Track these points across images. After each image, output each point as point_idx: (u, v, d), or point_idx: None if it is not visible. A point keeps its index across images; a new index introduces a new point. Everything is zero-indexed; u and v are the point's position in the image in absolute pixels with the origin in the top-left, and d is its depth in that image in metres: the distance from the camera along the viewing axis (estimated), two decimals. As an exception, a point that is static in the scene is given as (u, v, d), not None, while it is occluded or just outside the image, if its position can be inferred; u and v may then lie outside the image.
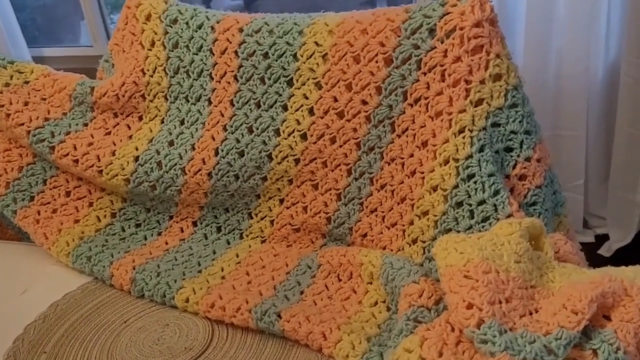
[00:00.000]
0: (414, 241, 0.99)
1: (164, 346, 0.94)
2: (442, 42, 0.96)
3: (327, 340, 0.88)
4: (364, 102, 1.02)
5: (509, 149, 0.95)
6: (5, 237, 1.33)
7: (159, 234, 1.20)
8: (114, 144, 1.16)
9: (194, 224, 1.20)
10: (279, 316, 0.92)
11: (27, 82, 1.21)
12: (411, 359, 0.76)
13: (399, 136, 1.01)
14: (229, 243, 1.16)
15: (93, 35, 2.70)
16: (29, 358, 0.93)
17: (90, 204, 1.22)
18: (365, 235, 1.07)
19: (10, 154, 1.21)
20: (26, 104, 1.18)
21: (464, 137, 0.92)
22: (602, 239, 1.74)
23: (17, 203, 1.19)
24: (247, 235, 1.17)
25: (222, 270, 1.07)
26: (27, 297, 1.09)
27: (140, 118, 1.19)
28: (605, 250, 1.69)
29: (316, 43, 1.04)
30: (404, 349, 0.78)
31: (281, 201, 1.14)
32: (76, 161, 1.15)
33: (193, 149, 1.13)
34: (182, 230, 1.20)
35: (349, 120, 1.04)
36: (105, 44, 2.84)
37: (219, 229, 1.19)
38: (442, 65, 0.96)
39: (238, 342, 0.94)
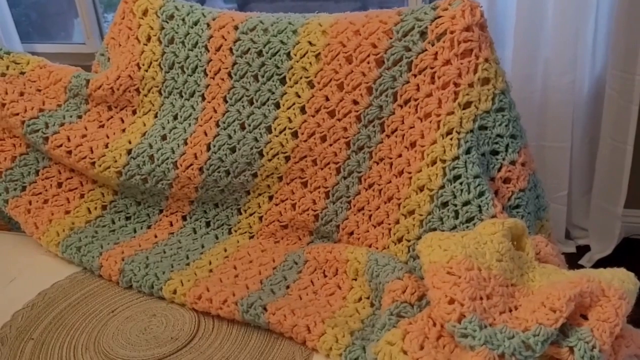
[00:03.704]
0: (399, 240, 1.01)
1: (151, 335, 0.96)
2: (432, 45, 0.98)
3: (311, 333, 0.90)
4: (355, 102, 1.05)
5: (494, 152, 0.98)
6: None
7: (149, 227, 1.21)
8: (107, 137, 1.17)
9: (184, 218, 1.21)
10: (265, 309, 0.93)
11: (23, 73, 1.22)
12: (393, 352, 0.78)
13: (388, 136, 1.03)
14: (217, 238, 1.18)
15: (86, 32, 2.71)
16: (16, 344, 0.94)
17: (82, 196, 1.23)
18: (351, 233, 1.09)
19: (4, 144, 1.22)
20: (21, 94, 1.19)
21: (451, 139, 0.95)
22: (583, 249, 1.77)
23: (9, 192, 1.20)
24: (235, 231, 1.19)
25: (210, 263, 1.09)
26: (16, 286, 1.09)
27: (134, 112, 1.21)
28: (585, 261, 1.72)
29: (310, 42, 1.07)
30: (386, 342, 0.80)
31: (270, 198, 1.15)
32: (69, 152, 1.16)
33: (185, 143, 1.14)
34: (171, 224, 1.21)
35: (339, 120, 1.06)
36: (98, 42, 2.85)
37: (208, 224, 1.20)
38: (432, 68, 0.98)
39: (224, 334, 0.96)
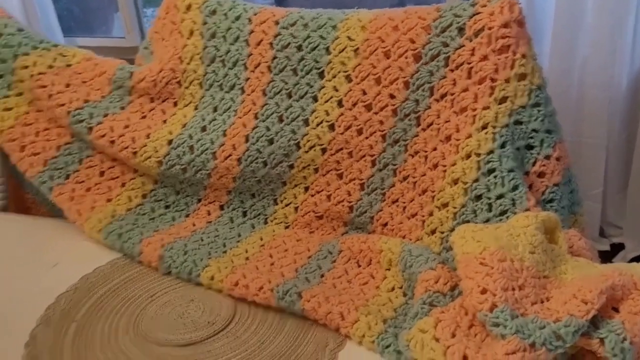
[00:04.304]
0: (433, 232, 1.02)
1: (188, 320, 0.99)
2: (470, 41, 1.00)
3: (344, 320, 0.92)
4: (392, 96, 1.07)
5: (529, 147, 0.99)
6: (39, 214, 1.39)
7: (187, 215, 1.25)
8: (149, 128, 1.21)
9: (221, 207, 1.24)
10: (300, 296, 0.96)
11: (69, 65, 1.26)
12: (425, 339, 0.80)
13: (423, 130, 1.05)
14: (253, 227, 1.21)
15: (126, 27, 2.77)
16: (60, 325, 0.98)
17: (123, 184, 1.27)
18: (385, 224, 1.11)
19: (50, 134, 1.27)
20: (68, 85, 1.24)
21: (486, 133, 0.96)
22: (617, 248, 1.76)
23: (54, 180, 1.25)
24: (271, 221, 1.21)
25: (246, 252, 1.12)
26: (59, 270, 1.13)
27: (175, 104, 1.25)
28: (620, 259, 1.71)
29: (349, 38, 1.09)
30: (418, 330, 0.81)
31: (306, 189, 1.18)
32: (112, 142, 1.21)
33: (224, 135, 1.17)
34: (209, 213, 1.24)
35: (376, 113, 1.08)
36: (137, 36, 2.91)
37: (244, 214, 1.23)
38: (469, 63, 1.00)
39: (259, 319, 0.98)
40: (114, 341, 0.95)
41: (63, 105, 1.22)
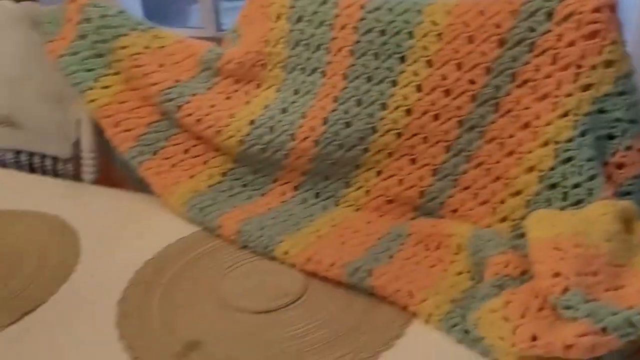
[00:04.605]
0: (504, 219, 1.03)
1: (264, 290, 1.04)
2: (558, 26, 0.99)
3: (413, 298, 0.95)
4: (472, 82, 1.08)
5: (610, 137, 0.98)
6: (125, 188, 1.48)
7: (263, 194, 1.30)
8: (233, 108, 1.27)
9: (295, 188, 1.29)
10: (370, 273, 0.99)
11: (163, 47, 1.34)
12: (494, 319, 0.82)
13: (501, 116, 1.06)
14: (325, 209, 1.24)
15: (205, 18, 2.87)
16: (147, 287, 1.05)
17: (205, 162, 1.33)
18: (455, 210, 1.12)
19: (140, 111, 1.35)
20: (161, 66, 1.31)
21: (567, 121, 0.96)
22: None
23: (143, 155, 1.33)
24: (342, 203, 1.25)
25: (318, 230, 1.16)
26: (145, 239, 1.21)
27: (258, 86, 1.30)
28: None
29: (433, 22, 1.11)
30: (487, 309, 0.83)
31: (378, 173, 1.21)
32: (198, 121, 1.27)
33: (303, 117, 1.22)
34: (283, 194, 1.29)
35: (454, 99, 1.09)
36: (214, 27, 3.01)
37: (317, 195, 1.27)
38: (555, 49, 0.99)
39: (330, 294, 1.02)
40: (195, 304, 1.01)
41: (155, 84, 1.29)
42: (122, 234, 1.25)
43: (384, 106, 1.16)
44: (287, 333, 0.94)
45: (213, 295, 1.03)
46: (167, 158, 1.33)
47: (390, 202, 1.21)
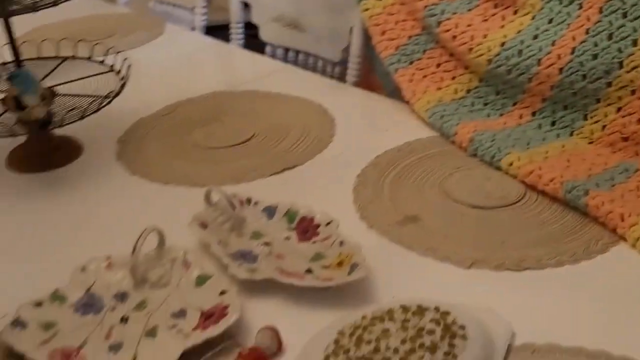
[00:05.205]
0: None
1: (483, 190, 1.17)
2: None
3: (623, 222, 1.01)
4: None
5: None
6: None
7: (501, 115, 1.40)
8: (487, 30, 1.38)
9: (533, 114, 1.37)
10: (586, 193, 1.06)
11: None
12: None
13: None
14: (558, 136, 1.31)
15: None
16: (383, 169, 1.25)
17: (453, 78, 1.47)
18: (693, 155, 1.12)
19: (405, 25, 1.52)
20: (430, -16, 1.47)
21: None
22: None
23: (400, 64, 1.51)
24: (576, 134, 1.30)
25: (547, 152, 1.24)
26: (388, 134, 1.40)
27: (515, 12, 1.38)
28: None
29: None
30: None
31: (618, 109, 1.23)
32: (454, 37, 1.41)
33: (552, 44, 1.28)
34: (520, 117, 1.38)
35: None
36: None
37: (553, 123, 1.34)
38: None
39: (544, 206, 1.12)
40: (419, 189, 1.19)
41: (422, 0, 1.45)
42: (370, 127, 1.47)
43: (634, 42, 1.18)
44: (496, 227, 1.07)
45: (436, 186, 1.20)
46: (420, 69, 1.49)
47: (625, 139, 1.23)
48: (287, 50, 1.97)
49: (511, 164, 1.20)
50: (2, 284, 0.98)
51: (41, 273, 1.00)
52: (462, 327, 0.78)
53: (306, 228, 1.05)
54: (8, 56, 1.32)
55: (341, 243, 0.99)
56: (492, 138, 1.28)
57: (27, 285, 0.94)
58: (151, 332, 0.84)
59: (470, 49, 1.38)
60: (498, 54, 1.34)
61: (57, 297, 0.89)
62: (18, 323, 0.83)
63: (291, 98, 1.56)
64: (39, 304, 0.87)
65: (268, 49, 1.99)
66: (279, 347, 0.81)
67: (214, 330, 0.80)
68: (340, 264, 0.95)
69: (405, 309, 0.82)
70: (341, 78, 1.81)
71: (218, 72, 1.86)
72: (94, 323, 0.86)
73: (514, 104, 1.40)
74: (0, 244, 1.10)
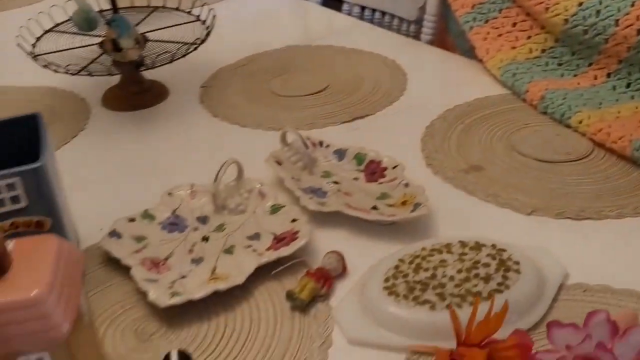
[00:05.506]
0: None
1: (550, 145, 1.19)
2: None
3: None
4: None
5: None
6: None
7: (575, 75, 1.40)
8: (567, -11, 1.38)
9: (608, 75, 1.36)
10: (655, 151, 1.08)
11: None
12: None
13: None
14: (632, 98, 1.30)
15: None
16: (451, 123, 1.29)
17: (528, 37, 1.47)
18: None
19: (482, -17, 1.54)
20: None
21: None
22: None
23: (475, 22, 1.52)
24: (651, 98, 1.30)
25: (619, 112, 1.24)
26: (459, 90, 1.43)
27: (595, -29, 1.38)
28: None
29: None
30: None
31: (698, 75, 1.22)
32: (531, -5, 1.42)
33: (632, 5, 1.27)
34: (595, 78, 1.37)
35: None
36: None
37: (628, 85, 1.33)
38: None
39: (612, 162, 1.13)
40: (486, 141, 1.22)
41: (501, -41, 1.47)
42: (441, 83, 1.50)
43: None
44: (560, 180, 1.10)
45: (503, 139, 1.23)
46: (495, 28, 1.51)
47: (702, 105, 1.22)
48: (363, 8, 2.01)
49: (581, 122, 1.21)
50: (100, 205, 1.10)
51: (133, 196, 1.10)
52: (517, 263, 0.83)
53: (374, 170, 1.10)
54: (106, 4, 1.42)
55: (406, 185, 1.05)
56: (563, 96, 1.29)
57: (122, 206, 1.04)
58: (229, 250, 0.92)
59: (547, 8, 1.38)
60: (575, 14, 1.34)
61: (147, 215, 0.99)
62: (114, 234, 0.93)
63: (365, 53, 1.61)
64: (132, 219, 0.97)
65: (345, 6, 2.04)
66: (344, 269, 0.89)
67: (286, 251, 0.88)
68: (404, 203, 1.01)
69: (463, 244, 0.87)
70: (416, 37, 1.85)
71: (296, 27, 1.92)
72: (178, 240, 0.95)
73: (589, 65, 1.40)
74: (98, 171, 1.21)
